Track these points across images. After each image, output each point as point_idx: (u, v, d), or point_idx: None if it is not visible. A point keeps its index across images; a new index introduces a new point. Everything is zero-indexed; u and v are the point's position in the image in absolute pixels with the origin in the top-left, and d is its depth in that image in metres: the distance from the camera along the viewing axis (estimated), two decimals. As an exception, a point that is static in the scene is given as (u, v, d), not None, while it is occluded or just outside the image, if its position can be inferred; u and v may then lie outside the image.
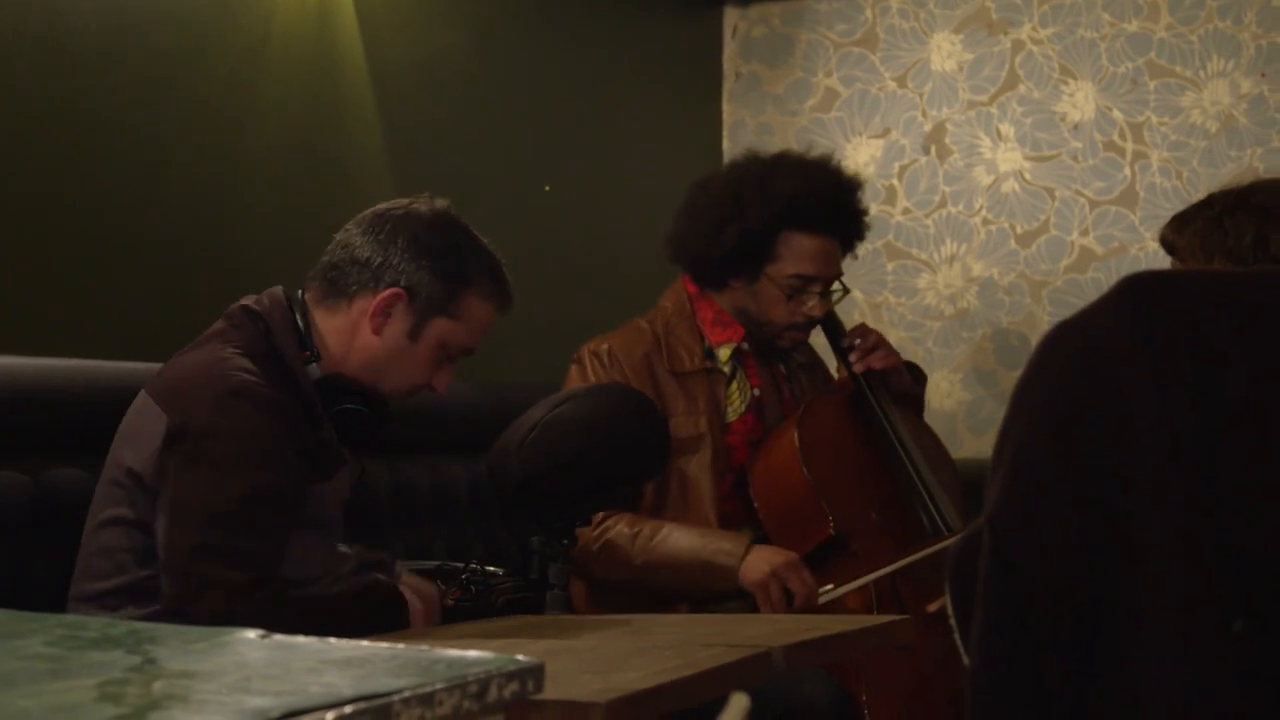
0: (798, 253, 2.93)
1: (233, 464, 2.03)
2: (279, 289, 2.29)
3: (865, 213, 3.05)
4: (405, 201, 2.34)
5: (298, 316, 2.27)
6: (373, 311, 2.26)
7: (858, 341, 3.07)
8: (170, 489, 2.03)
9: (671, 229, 3.07)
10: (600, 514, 2.79)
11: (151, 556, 2.07)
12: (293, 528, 2.10)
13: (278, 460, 2.07)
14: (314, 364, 2.25)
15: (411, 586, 2.25)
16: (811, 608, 2.71)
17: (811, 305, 2.96)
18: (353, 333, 2.27)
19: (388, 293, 2.26)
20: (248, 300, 2.27)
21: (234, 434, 2.05)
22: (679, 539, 2.77)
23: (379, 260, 2.26)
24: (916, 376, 3.22)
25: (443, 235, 2.30)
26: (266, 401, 2.10)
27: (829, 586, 2.72)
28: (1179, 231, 2.61)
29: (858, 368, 3.04)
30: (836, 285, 3.03)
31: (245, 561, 2.00)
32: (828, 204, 2.96)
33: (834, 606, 2.72)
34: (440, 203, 2.35)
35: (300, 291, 2.31)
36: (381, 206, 2.33)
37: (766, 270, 2.94)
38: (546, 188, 3.82)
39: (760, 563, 2.72)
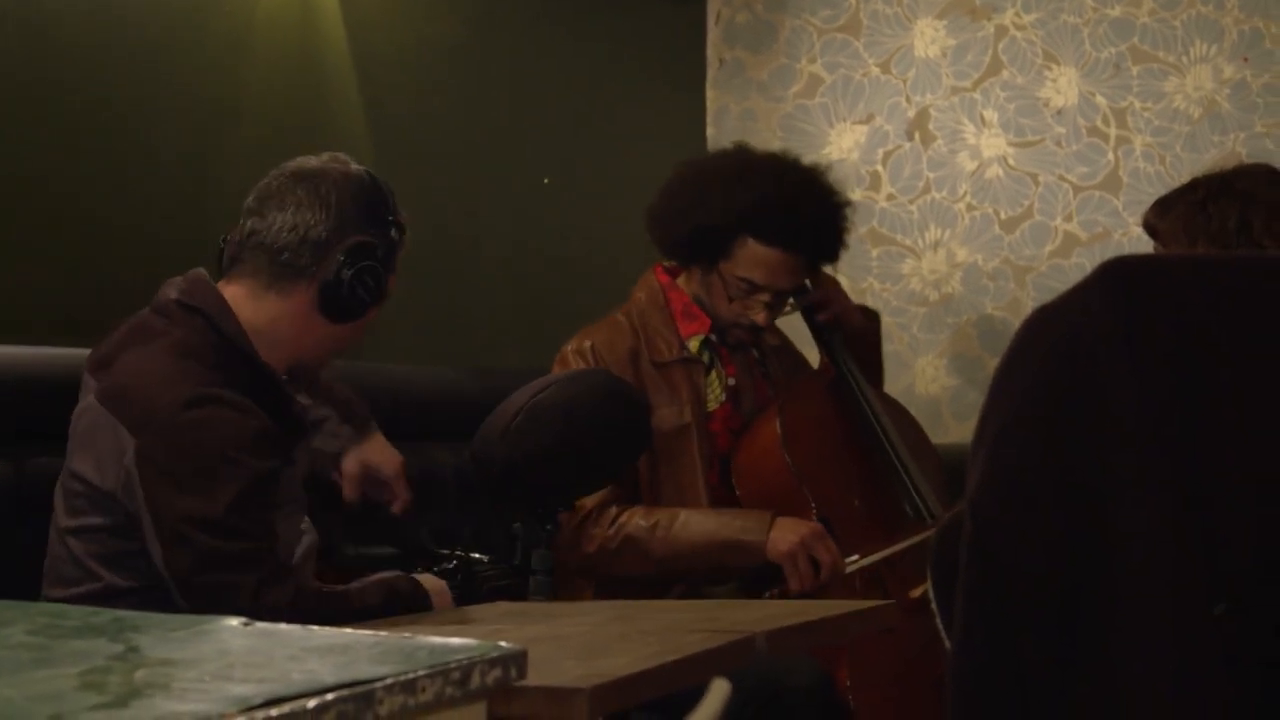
0: (750, 258, 2.88)
1: (211, 475, 1.99)
2: (201, 271, 2.20)
3: (842, 233, 2.98)
4: (319, 166, 2.23)
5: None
6: None
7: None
8: (154, 511, 2.00)
9: (652, 201, 3.05)
10: (613, 510, 2.79)
11: (124, 561, 2.07)
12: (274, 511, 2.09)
13: (251, 456, 2.02)
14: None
15: (422, 581, 2.23)
16: (839, 577, 2.73)
17: (755, 312, 2.92)
18: (311, 310, 2.19)
19: None
20: (175, 291, 2.17)
21: (204, 445, 2.01)
22: (698, 523, 2.77)
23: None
24: (869, 315, 3.24)
25: (373, 193, 2.23)
26: (227, 402, 2.05)
27: (855, 557, 2.73)
28: (1162, 216, 2.61)
29: (823, 317, 3.07)
30: (792, 301, 3.03)
31: (249, 564, 1.98)
32: (791, 219, 2.88)
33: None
34: (343, 157, 2.27)
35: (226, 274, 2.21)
36: (298, 176, 2.21)
37: (719, 265, 2.92)
38: (545, 180, 3.81)
39: (788, 534, 2.73)
